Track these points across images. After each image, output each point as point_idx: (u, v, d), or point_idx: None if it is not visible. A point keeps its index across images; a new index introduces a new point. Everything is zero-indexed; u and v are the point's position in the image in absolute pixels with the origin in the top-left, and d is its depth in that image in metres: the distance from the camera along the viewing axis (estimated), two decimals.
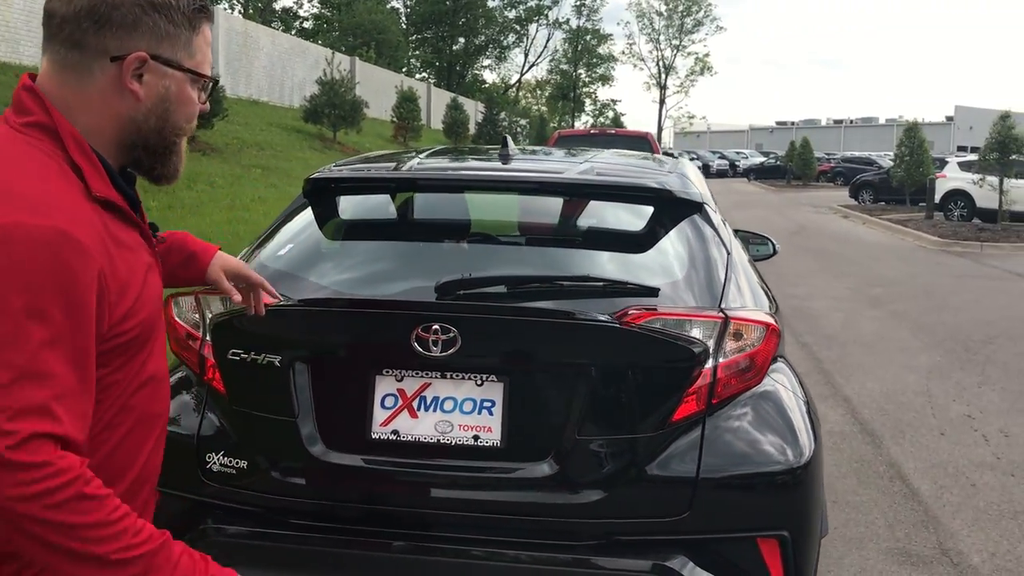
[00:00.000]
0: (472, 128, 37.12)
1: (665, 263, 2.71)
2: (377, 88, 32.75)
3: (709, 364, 2.36)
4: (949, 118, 77.38)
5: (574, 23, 74.22)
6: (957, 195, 23.16)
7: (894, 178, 26.36)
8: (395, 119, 29.95)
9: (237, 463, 2.46)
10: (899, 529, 4.46)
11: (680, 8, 77.82)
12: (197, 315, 2.57)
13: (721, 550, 2.38)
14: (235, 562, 2.40)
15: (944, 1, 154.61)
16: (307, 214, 3.01)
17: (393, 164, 3.13)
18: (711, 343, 2.37)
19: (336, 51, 28.72)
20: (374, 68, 36.53)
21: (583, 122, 79.19)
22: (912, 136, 26.06)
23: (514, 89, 74.44)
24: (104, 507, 1.33)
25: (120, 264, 1.44)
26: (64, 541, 1.28)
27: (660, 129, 79.43)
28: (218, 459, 2.47)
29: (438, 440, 2.39)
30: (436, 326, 2.32)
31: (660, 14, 78.46)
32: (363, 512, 2.43)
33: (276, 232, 2.98)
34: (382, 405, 2.41)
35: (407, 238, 3.03)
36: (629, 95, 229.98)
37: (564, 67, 76.48)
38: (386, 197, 3.01)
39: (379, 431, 2.41)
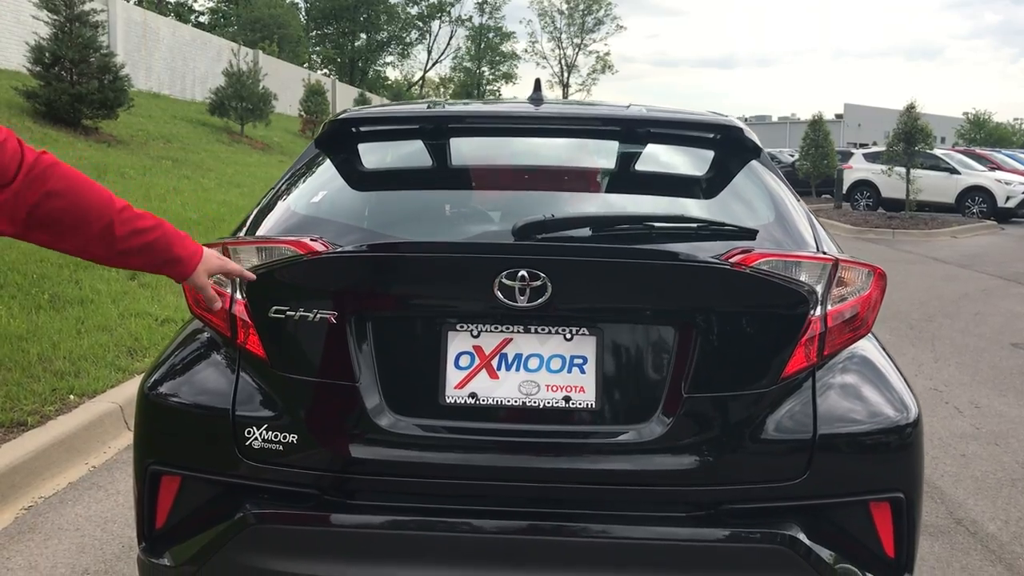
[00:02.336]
0: None
1: (748, 206, 2.47)
2: (282, 82, 31.74)
3: (819, 311, 2.12)
4: (839, 116, 79.95)
5: (477, 20, 74.04)
6: (863, 185, 23.80)
7: (800, 171, 26.92)
8: (303, 113, 29.16)
9: (284, 437, 2.09)
10: None
11: (581, 7, 78.33)
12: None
13: (835, 517, 2.15)
14: (285, 552, 2.08)
15: (829, 2, 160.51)
16: (327, 163, 2.65)
17: (424, 106, 2.80)
18: (820, 288, 2.13)
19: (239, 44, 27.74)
20: (279, 62, 35.46)
21: None
22: (817, 130, 26.70)
23: (418, 86, 73.62)
24: None
25: None
26: None
27: None
28: (260, 434, 2.10)
29: (523, 403, 2.08)
30: (523, 272, 2.01)
31: (562, 13, 78.83)
32: (437, 488, 2.09)
33: (294, 183, 2.62)
34: (456, 365, 2.09)
35: (461, 180, 2.69)
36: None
37: (468, 64, 76.14)
38: (418, 140, 2.68)
39: (454, 394, 2.09)
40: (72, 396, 4.93)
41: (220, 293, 2.18)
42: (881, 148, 22.28)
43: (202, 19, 53.46)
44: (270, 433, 2.10)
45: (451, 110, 2.74)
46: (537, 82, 2.94)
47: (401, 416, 2.08)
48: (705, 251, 2.14)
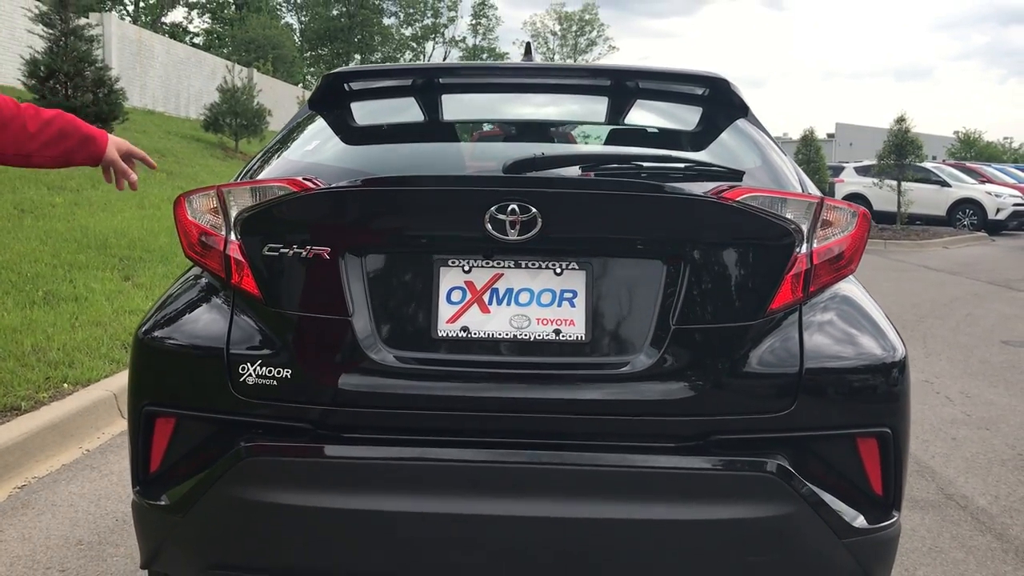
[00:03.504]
0: None
1: (735, 153, 2.52)
2: (276, 100, 31.86)
3: (805, 248, 2.16)
4: (830, 135, 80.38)
5: (471, 41, 74.48)
6: (855, 198, 23.89)
7: None
8: None
9: (278, 372, 2.11)
10: None
11: (574, 28, 78.91)
12: (217, 214, 2.23)
13: (822, 450, 2.17)
14: (279, 485, 2.09)
15: (821, 22, 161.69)
16: (321, 119, 2.70)
17: (417, 63, 2.84)
18: (806, 226, 2.17)
19: (233, 63, 27.86)
20: (273, 80, 35.63)
21: None
22: (808, 145, 26.88)
23: None
24: None
25: None
26: None
27: None
28: (254, 370, 2.12)
29: (514, 336, 2.11)
30: (514, 205, 2.04)
31: (555, 34, 79.39)
32: (430, 419, 2.11)
33: (289, 137, 2.66)
34: (448, 299, 2.12)
35: (453, 131, 2.74)
36: None
37: None
38: (411, 96, 2.72)
39: (446, 328, 2.11)
40: (66, 384, 4.94)
41: (213, 235, 2.21)
42: (873, 162, 22.41)
43: (197, 40, 53.69)
44: (264, 369, 2.12)
45: (445, 65, 2.79)
46: (528, 45, 2.99)
47: (393, 349, 2.10)
48: (693, 188, 2.18)
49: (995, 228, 22.44)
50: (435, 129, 2.76)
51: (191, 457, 2.20)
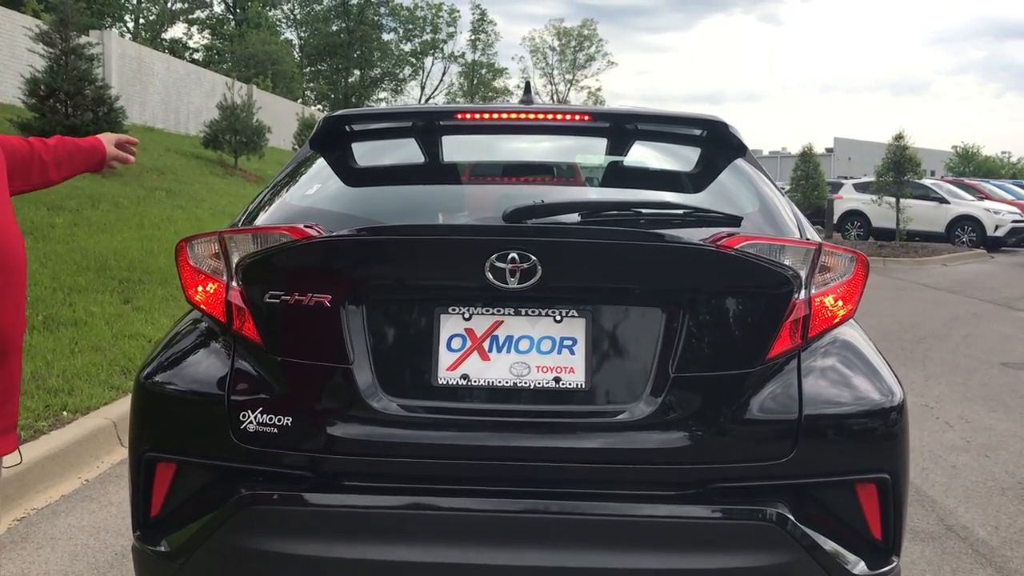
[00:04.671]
0: None
1: (733, 198, 2.54)
2: (276, 117, 31.93)
3: (803, 295, 2.17)
4: (829, 149, 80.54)
5: (470, 57, 74.73)
6: (854, 215, 23.98)
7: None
8: (297, 146, 29.34)
9: (278, 420, 2.11)
10: None
11: (572, 44, 79.16)
12: (219, 259, 2.24)
13: (821, 497, 2.17)
14: (279, 533, 2.09)
15: (817, 37, 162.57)
16: (322, 160, 2.71)
17: (417, 106, 2.86)
18: (804, 272, 2.18)
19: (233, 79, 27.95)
20: (273, 96, 35.73)
21: None
22: (807, 161, 26.92)
23: None
24: None
25: None
26: None
27: None
28: (255, 417, 2.13)
29: (514, 384, 2.11)
30: (514, 254, 2.05)
31: (553, 49, 79.62)
32: (431, 467, 2.11)
33: (290, 180, 2.67)
34: (448, 347, 2.13)
35: (454, 174, 2.75)
36: None
37: (461, 100, 76.72)
38: (411, 138, 2.74)
39: (446, 376, 2.12)
40: (65, 412, 4.94)
41: (215, 281, 2.22)
42: (871, 178, 22.46)
43: (196, 56, 53.83)
44: (265, 416, 2.12)
45: (443, 108, 2.81)
46: (528, 84, 3.01)
47: (394, 397, 2.11)
48: (692, 235, 2.20)
49: (994, 245, 22.46)
50: (435, 172, 2.78)
51: (192, 503, 2.20)
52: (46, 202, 11.10)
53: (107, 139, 2.96)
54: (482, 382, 2.12)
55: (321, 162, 2.71)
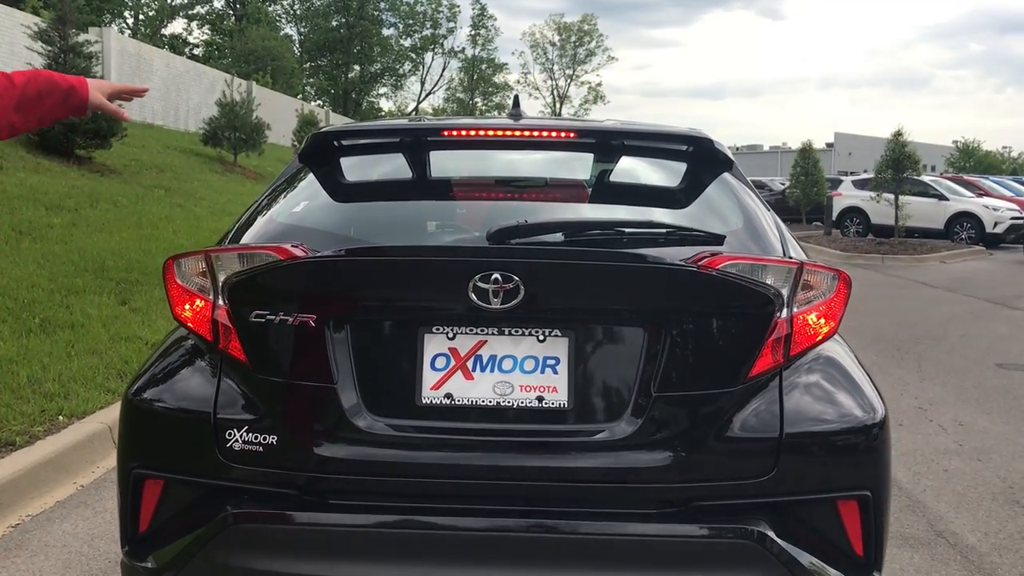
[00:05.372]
0: None
1: (718, 214, 2.55)
2: (275, 113, 31.94)
3: (785, 314, 2.19)
4: (829, 145, 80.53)
5: (470, 52, 74.66)
6: (853, 212, 23.97)
7: (790, 198, 27.11)
8: (296, 143, 29.32)
9: (264, 439, 2.14)
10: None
11: (572, 39, 79.06)
12: (205, 277, 2.25)
13: (803, 514, 2.19)
14: (264, 552, 2.12)
15: (818, 32, 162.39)
16: (310, 176, 2.73)
17: (404, 121, 2.88)
18: (786, 291, 2.20)
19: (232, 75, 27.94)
20: (273, 93, 35.72)
21: None
22: (806, 157, 26.91)
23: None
24: None
25: None
26: None
27: None
28: (240, 436, 2.15)
29: (497, 403, 2.13)
30: (496, 275, 2.07)
31: (553, 44, 79.54)
32: (415, 486, 2.14)
33: (276, 196, 2.69)
34: (432, 367, 2.15)
35: (439, 191, 2.78)
36: None
37: (461, 95, 76.68)
38: (398, 153, 2.76)
39: (430, 395, 2.14)
40: (61, 417, 4.96)
41: (201, 299, 2.24)
42: (870, 175, 22.44)
43: (196, 51, 53.81)
44: (250, 435, 2.14)
45: (430, 124, 2.83)
46: (516, 98, 3.03)
47: (378, 417, 2.13)
48: (674, 255, 2.21)
49: (993, 242, 22.47)
50: (422, 188, 2.80)
51: (179, 520, 2.23)
52: (44, 202, 11.12)
53: (96, 85, 2.67)
54: (466, 401, 2.14)
55: (309, 178, 2.73)
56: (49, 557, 3.66)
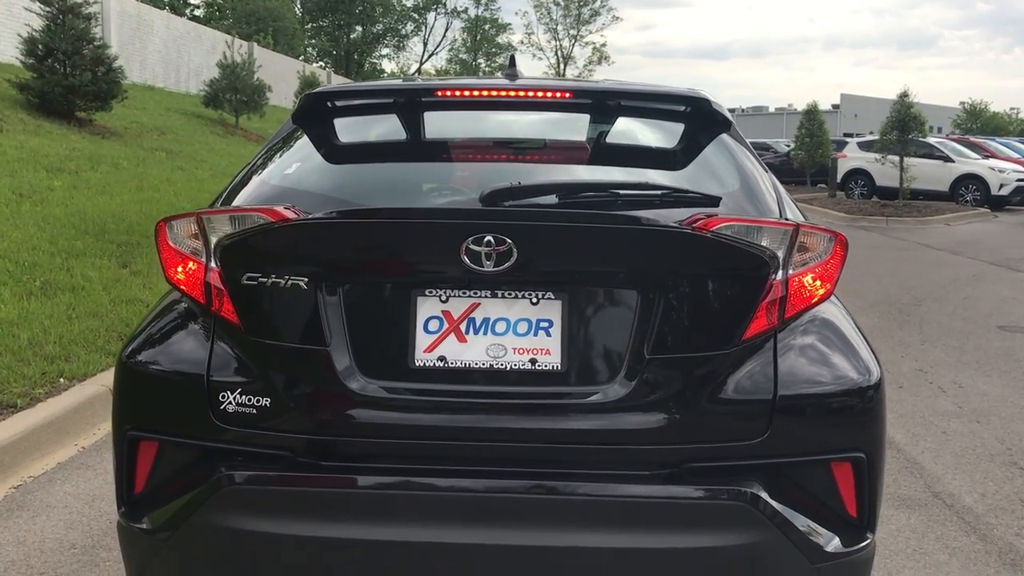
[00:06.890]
0: None
1: (715, 175, 2.53)
2: (277, 74, 31.72)
3: (780, 276, 2.17)
4: (835, 106, 79.87)
5: (472, 12, 73.92)
6: (858, 174, 23.84)
7: (795, 159, 26.96)
8: None
9: (257, 401, 2.14)
10: (885, 475, 4.40)
11: None
12: (198, 240, 2.24)
13: (796, 476, 2.19)
14: (259, 513, 2.12)
15: None
16: (303, 138, 2.71)
17: (399, 81, 2.85)
18: (781, 253, 2.18)
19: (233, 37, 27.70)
20: (274, 54, 35.46)
21: None
22: (812, 119, 26.71)
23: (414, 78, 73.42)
24: None
25: None
26: None
27: None
28: (234, 398, 2.15)
29: (490, 366, 2.13)
30: (489, 237, 2.06)
31: (557, 4, 78.62)
32: (408, 448, 2.14)
33: (270, 158, 2.67)
34: (425, 329, 2.14)
35: (433, 152, 2.75)
36: None
37: (464, 56, 76.02)
38: (392, 114, 2.73)
39: (423, 358, 2.14)
40: (62, 379, 4.98)
41: (194, 262, 2.23)
42: (876, 137, 22.28)
43: (198, 12, 53.28)
44: (244, 397, 2.14)
45: (424, 84, 2.79)
46: (512, 58, 3.00)
47: (371, 379, 2.13)
48: (669, 217, 2.19)
49: (998, 204, 22.34)
50: (416, 150, 2.77)
51: (174, 482, 2.23)
52: (45, 164, 11.09)
53: None
54: (459, 364, 2.13)
55: (302, 139, 2.71)
56: (51, 518, 3.69)
